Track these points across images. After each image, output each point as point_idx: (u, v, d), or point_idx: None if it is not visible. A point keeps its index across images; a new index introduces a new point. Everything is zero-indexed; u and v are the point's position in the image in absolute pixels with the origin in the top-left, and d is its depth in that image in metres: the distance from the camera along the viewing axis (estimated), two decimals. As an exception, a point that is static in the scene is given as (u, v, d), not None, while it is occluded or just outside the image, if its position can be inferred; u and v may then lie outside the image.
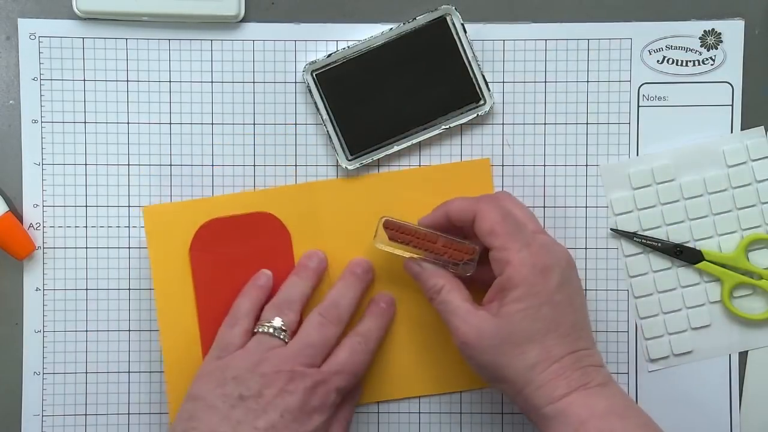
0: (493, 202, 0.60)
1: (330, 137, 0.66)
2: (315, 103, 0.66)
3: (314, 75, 0.65)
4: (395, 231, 0.61)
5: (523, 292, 0.57)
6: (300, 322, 0.63)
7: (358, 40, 0.65)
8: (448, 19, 0.65)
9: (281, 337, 0.61)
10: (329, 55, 0.65)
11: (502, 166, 0.67)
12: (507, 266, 0.58)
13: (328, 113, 0.66)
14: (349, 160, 0.66)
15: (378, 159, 0.66)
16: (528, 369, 0.57)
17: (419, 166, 0.67)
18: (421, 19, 0.65)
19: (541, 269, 0.57)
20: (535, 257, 0.58)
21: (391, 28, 0.65)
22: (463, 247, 0.61)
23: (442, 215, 0.62)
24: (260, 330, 0.61)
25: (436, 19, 0.65)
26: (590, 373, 0.57)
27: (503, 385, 0.58)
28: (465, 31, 0.65)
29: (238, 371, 0.59)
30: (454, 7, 0.65)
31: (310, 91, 0.65)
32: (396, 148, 0.66)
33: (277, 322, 0.61)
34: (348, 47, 0.65)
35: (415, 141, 0.66)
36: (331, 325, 0.62)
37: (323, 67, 0.65)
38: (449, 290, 0.60)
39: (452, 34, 0.65)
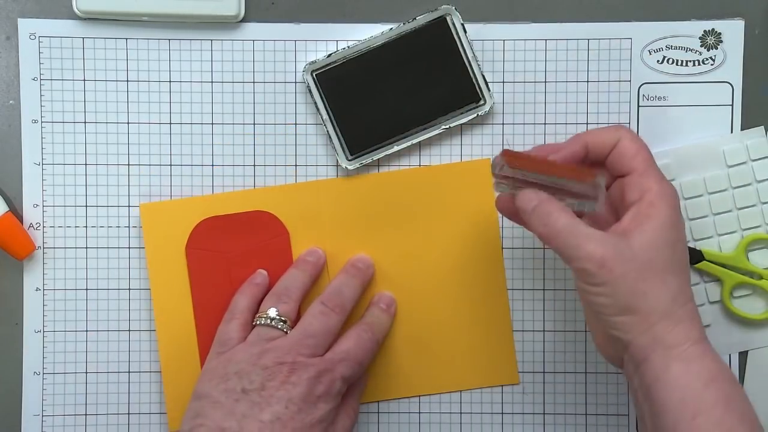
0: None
1: (330, 137, 0.66)
2: (315, 103, 0.65)
3: (314, 75, 0.65)
4: (513, 158, 0.56)
5: (665, 222, 0.54)
6: (301, 314, 0.62)
7: (358, 40, 0.65)
8: (448, 19, 0.65)
9: (280, 327, 0.61)
10: (329, 55, 0.65)
11: (502, 166, 0.67)
12: (648, 192, 0.55)
13: (328, 113, 0.66)
14: (349, 160, 0.66)
15: (378, 159, 0.66)
16: (670, 300, 0.53)
17: (419, 166, 0.67)
18: (421, 19, 0.65)
19: (677, 206, 0.56)
20: (673, 192, 0.56)
21: (391, 28, 0.65)
22: (585, 168, 0.56)
23: (575, 145, 0.57)
24: (258, 322, 0.61)
25: (436, 19, 0.65)
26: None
27: (633, 318, 0.53)
28: (465, 31, 0.65)
29: (240, 365, 0.59)
30: (454, 7, 0.65)
31: (310, 91, 0.65)
32: (396, 148, 0.66)
33: (272, 312, 0.61)
34: (348, 47, 0.65)
35: (415, 141, 0.66)
36: (333, 313, 0.61)
37: (323, 67, 0.65)
38: (576, 223, 0.54)
39: (452, 34, 0.65)
